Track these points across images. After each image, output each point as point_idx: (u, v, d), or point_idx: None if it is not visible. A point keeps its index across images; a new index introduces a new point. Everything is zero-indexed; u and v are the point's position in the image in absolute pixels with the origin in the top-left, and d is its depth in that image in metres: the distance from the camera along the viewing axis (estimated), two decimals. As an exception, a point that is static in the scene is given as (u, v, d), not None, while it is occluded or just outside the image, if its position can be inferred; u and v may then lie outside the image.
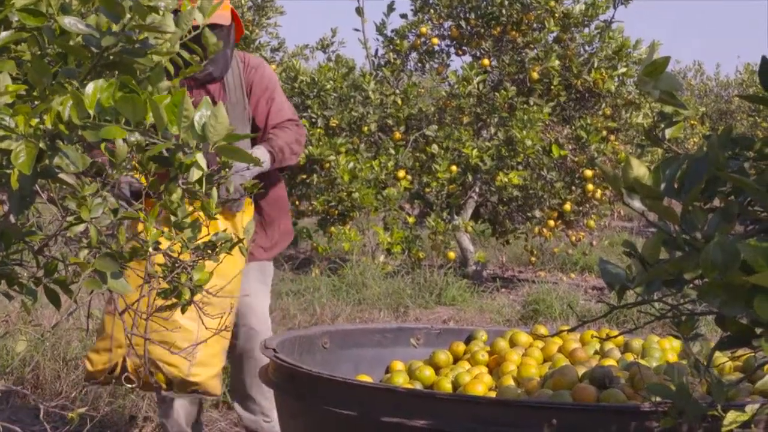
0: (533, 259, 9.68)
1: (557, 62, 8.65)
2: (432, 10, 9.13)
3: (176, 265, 1.98)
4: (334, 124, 8.90)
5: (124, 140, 1.76)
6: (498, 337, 3.60)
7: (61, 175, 1.71)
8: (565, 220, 9.07)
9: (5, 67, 1.66)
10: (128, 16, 1.64)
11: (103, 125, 1.58)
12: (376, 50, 9.41)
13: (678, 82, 1.87)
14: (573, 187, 8.92)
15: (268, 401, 4.02)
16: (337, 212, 8.57)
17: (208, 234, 2.03)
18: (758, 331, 1.63)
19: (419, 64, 9.40)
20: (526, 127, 8.40)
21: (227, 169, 2.02)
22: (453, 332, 3.83)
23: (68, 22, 1.64)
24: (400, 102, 8.90)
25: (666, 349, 3.42)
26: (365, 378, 3.29)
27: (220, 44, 2.02)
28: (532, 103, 8.68)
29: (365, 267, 8.10)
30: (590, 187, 8.77)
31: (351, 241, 8.40)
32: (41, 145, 1.59)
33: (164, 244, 1.95)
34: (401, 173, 8.62)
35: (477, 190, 8.92)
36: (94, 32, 1.64)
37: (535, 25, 8.91)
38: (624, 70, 8.77)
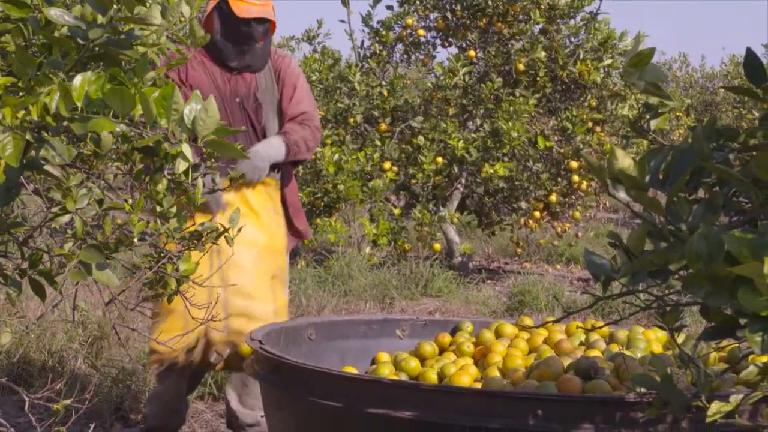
0: (519, 250, 9.69)
1: (543, 54, 8.64)
2: (418, 2, 9.10)
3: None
4: (320, 116, 8.88)
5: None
6: (483, 329, 3.61)
7: (47, 167, 1.71)
8: (550, 212, 9.07)
9: (-10, 58, 1.65)
10: (115, 7, 1.64)
11: (91, 117, 1.58)
12: (362, 42, 9.39)
13: (663, 73, 1.88)
14: (559, 179, 8.92)
15: None
16: (322, 204, 8.55)
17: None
18: (742, 321, 1.64)
19: (405, 56, 9.37)
20: (512, 118, 8.40)
21: (214, 161, 2.02)
22: (439, 323, 3.84)
23: (54, 13, 1.63)
24: (386, 93, 8.88)
25: (651, 339, 3.43)
26: (351, 369, 3.30)
27: (208, 37, 2.04)
28: (518, 95, 8.67)
29: (351, 258, 8.10)
30: (576, 178, 8.78)
31: (337, 232, 8.38)
32: (28, 137, 1.58)
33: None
34: (387, 165, 8.61)
35: (463, 181, 8.92)
36: (81, 24, 1.63)
37: (521, 16, 8.90)
38: (609, 61, 8.77)
